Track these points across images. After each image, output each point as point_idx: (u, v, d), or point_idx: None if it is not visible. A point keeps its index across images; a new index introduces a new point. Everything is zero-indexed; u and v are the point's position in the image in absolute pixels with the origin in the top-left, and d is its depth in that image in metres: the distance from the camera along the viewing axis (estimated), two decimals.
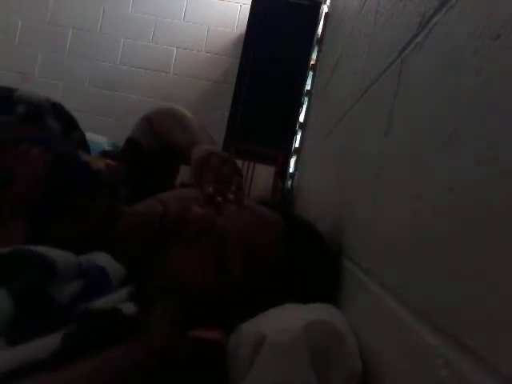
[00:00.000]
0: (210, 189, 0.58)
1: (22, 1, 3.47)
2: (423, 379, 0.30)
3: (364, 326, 0.47)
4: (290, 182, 2.69)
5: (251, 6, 2.96)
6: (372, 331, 0.44)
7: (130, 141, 0.83)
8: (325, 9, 2.37)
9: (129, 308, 0.45)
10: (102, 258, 0.50)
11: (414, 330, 0.33)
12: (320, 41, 2.36)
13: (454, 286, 0.29)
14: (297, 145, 2.66)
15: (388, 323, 0.40)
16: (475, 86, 0.31)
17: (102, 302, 0.44)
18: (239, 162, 2.67)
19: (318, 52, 2.42)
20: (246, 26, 2.98)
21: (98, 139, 2.30)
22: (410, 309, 0.35)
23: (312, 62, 2.57)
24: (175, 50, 3.42)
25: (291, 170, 2.72)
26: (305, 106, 2.59)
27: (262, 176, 2.75)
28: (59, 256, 0.45)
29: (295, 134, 2.71)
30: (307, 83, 2.60)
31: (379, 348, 0.41)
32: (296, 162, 2.65)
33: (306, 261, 0.59)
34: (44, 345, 0.37)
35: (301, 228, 0.63)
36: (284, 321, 0.45)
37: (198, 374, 0.45)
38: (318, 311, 0.48)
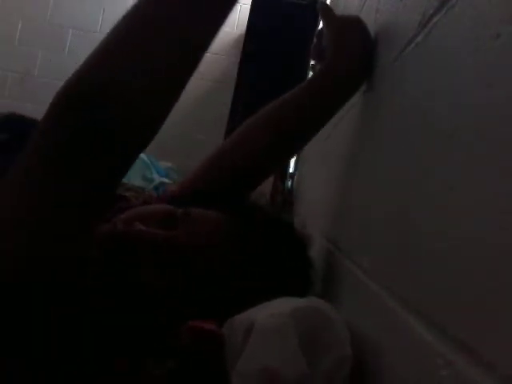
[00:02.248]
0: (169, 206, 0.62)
1: (22, 1, 3.47)
2: (423, 379, 0.30)
3: (364, 326, 0.47)
4: (289, 182, 2.69)
5: (251, 6, 2.96)
6: (372, 331, 0.44)
7: None
8: None
9: None
10: None
11: (414, 329, 0.33)
12: None
13: (454, 286, 0.29)
14: None
15: (388, 323, 0.40)
16: (475, 85, 0.31)
17: None
18: None
19: None
20: (245, 26, 2.97)
21: None
22: (410, 309, 0.35)
23: (312, 62, 2.56)
24: None
25: (291, 170, 2.72)
26: None
27: None
28: None
29: None
30: None
31: (379, 348, 0.41)
32: (296, 162, 2.64)
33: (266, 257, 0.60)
34: None
35: (257, 226, 0.64)
36: (273, 308, 0.46)
37: (199, 362, 0.46)
38: (307, 300, 0.49)
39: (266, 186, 2.70)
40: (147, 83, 0.44)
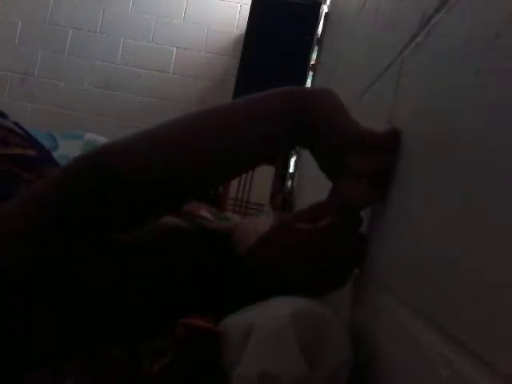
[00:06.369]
0: None
1: (22, 1, 3.47)
2: (423, 379, 0.30)
3: (364, 326, 0.47)
4: (290, 183, 2.69)
5: (251, 6, 2.96)
6: (372, 331, 0.44)
7: None
8: (325, 9, 2.37)
9: None
10: None
11: (414, 329, 0.33)
12: (320, 41, 2.36)
13: (454, 286, 0.29)
14: None
15: (388, 323, 0.40)
16: (475, 85, 0.31)
17: None
18: None
19: (318, 52, 2.42)
20: (245, 26, 2.98)
21: (98, 140, 2.31)
22: (409, 309, 0.35)
23: (312, 62, 2.57)
24: (175, 50, 3.42)
25: (291, 170, 2.72)
26: None
27: (261, 176, 2.75)
28: None
29: None
30: (307, 83, 2.60)
31: (379, 348, 0.41)
32: (296, 162, 2.65)
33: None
34: None
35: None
36: (271, 310, 0.46)
37: (193, 359, 0.46)
38: (304, 301, 0.49)
39: (266, 186, 2.70)
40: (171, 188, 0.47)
